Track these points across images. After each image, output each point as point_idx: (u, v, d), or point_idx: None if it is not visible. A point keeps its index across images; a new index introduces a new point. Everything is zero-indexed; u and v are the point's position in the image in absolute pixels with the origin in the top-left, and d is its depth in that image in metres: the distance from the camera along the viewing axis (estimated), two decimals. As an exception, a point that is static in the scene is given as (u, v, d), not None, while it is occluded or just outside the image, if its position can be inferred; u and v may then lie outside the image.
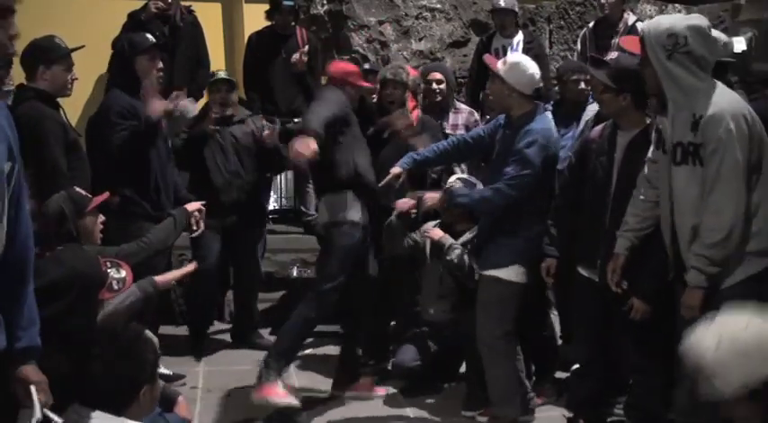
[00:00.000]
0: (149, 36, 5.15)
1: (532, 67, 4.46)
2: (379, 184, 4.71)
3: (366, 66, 6.39)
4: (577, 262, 4.29)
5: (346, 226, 4.65)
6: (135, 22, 6.56)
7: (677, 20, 3.46)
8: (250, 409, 4.84)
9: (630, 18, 6.97)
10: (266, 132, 5.81)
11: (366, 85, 5.10)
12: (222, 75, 5.94)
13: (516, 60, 4.52)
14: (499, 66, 4.46)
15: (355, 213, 4.68)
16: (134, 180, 4.94)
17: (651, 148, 3.78)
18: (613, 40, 6.77)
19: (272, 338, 6.05)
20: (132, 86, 4.97)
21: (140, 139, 4.89)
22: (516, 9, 7.14)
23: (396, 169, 4.62)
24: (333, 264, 4.65)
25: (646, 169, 3.82)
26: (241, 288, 6.08)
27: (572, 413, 4.53)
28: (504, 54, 6.92)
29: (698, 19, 3.48)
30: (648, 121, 4.05)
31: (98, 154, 4.98)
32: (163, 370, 5.14)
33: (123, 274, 3.70)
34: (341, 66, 5.09)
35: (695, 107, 3.38)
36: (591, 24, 7.16)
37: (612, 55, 4.80)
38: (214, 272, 5.86)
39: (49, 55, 4.51)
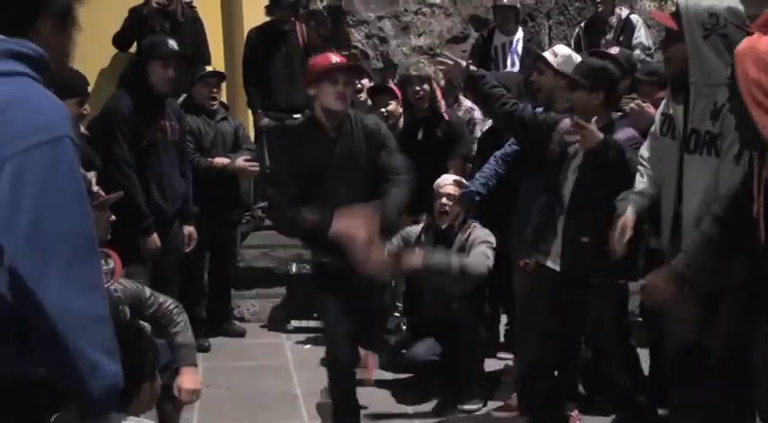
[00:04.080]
0: (172, 43, 5.10)
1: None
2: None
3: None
4: (532, 249, 4.16)
5: None
6: (136, 17, 6.55)
7: (716, 0, 3.33)
8: (249, 405, 4.87)
9: (623, 12, 6.98)
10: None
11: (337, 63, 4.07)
12: (210, 68, 6.03)
13: (567, 53, 4.57)
14: (551, 58, 4.46)
15: None
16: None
17: (654, 127, 3.66)
18: (607, 36, 6.79)
19: (273, 336, 6.12)
20: (140, 89, 4.93)
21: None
22: (518, 5, 7.13)
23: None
24: None
25: (644, 149, 3.73)
26: (217, 278, 6.21)
27: (527, 416, 4.42)
28: (504, 52, 6.93)
29: (736, 3, 3.37)
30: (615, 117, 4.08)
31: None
32: None
33: (111, 264, 3.68)
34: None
35: (717, 95, 3.26)
36: (583, 24, 7.20)
37: (614, 50, 4.81)
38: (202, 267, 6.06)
39: None
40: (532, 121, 4.23)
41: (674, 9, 3.54)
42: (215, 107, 5.96)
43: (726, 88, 3.22)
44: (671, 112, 3.50)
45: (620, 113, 4.23)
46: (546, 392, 4.26)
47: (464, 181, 5.08)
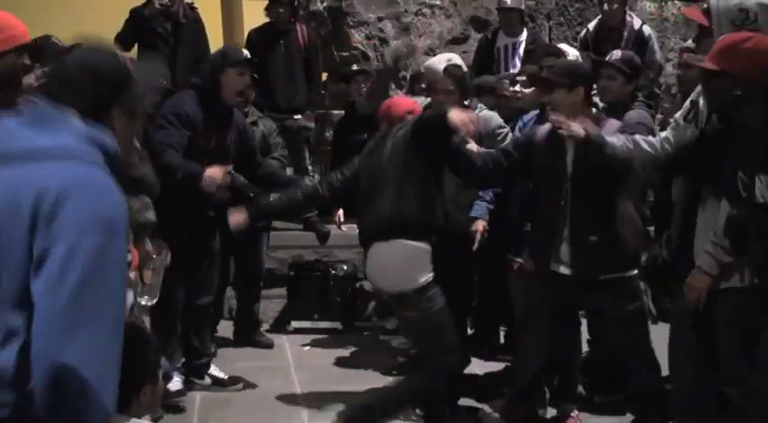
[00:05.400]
0: (245, 51, 5.02)
1: None
2: (474, 248, 4.48)
3: (354, 67, 6.38)
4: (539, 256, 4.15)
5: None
6: (138, 18, 6.55)
7: None
8: (250, 406, 4.87)
9: (636, 22, 6.87)
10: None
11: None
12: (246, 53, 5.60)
13: (576, 53, 4.66)
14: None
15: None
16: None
17: (679, 114, 3.67)
18: (620, 46, 6.69)
19: (274, 337, 6.11)
20: (210, 94, 4.77)
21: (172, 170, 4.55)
22: (522, 7, 7.09)
23: (480, 224, 4.51)
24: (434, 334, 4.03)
25: (664, 132, 3.75)
26: (241, 287, 6.09)
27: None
28: (507, 54, 6.91)
29: None
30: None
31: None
32: (216, 373, 5.15)
33: (129, 257, 3.72)
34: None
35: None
36: (591, 27, 7.07)
37: (616, 54, 4.77)
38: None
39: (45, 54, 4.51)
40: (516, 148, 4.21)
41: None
42: (247, 109, 5.66)
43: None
44: (699, 100, 3.50)
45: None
46: (533, 401, 4.32)
47: (457, 58, 4.86)
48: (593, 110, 4.14)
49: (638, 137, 3.78)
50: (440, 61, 4.70)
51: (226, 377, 5.15)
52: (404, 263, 3.98)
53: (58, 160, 1.86)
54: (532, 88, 4.84)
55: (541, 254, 4.05)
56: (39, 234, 1.81)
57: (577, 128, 3.73)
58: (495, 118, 4.89)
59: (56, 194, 1.81)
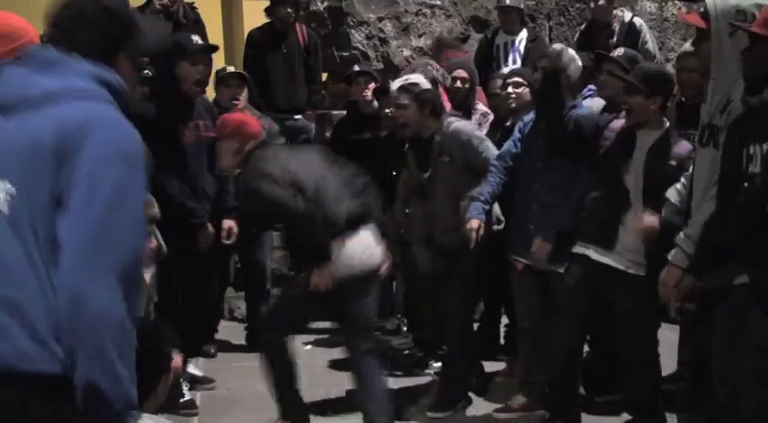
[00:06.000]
0: (196, 38, 4.89)
1: None
2: (471, 246, 4.47)
3: (356, 67, 6.36)
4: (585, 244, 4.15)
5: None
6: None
7: None
8: (250, 406, 4.86)
9: (626, 15, 6.92)
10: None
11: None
12: (232, 69, 5.91)
13: (573, 53, 4.61)
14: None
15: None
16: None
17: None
18: (612, 40, 6.74)
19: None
20: (168, 91, 4.74)
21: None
22: (522, 6, 7.11)
23: (475, 222, 4.46)
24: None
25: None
26: (249, 289, 6.09)
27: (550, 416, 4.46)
28: (506, 51, 6.92)
29: None
30: (667, 125, 4.08)
31: None
32: (194, 370, 5.12)
33: None
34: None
35: (731, 91, 3.30)
36: (582, 28, 7.14)
37: (619, 51, 4.78)
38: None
39: None
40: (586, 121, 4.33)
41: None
42: (242, 108, 5.57)
43: (740, 84, 3.26)
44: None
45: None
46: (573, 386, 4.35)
47: (418, 78, 4.85)
48: (666, 122, 4.12)
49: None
50: (400, 81, 4.82)
51: (203, 375, 5.16)
52: (377, 243, 4.27)
53: (72, 101, 1.88)
54: (523, 89, 4.88)
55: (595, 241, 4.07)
56: (61, 172, 1.82)
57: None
58: (464, 130, 4.79)
59: (74, 131, 1.83)
